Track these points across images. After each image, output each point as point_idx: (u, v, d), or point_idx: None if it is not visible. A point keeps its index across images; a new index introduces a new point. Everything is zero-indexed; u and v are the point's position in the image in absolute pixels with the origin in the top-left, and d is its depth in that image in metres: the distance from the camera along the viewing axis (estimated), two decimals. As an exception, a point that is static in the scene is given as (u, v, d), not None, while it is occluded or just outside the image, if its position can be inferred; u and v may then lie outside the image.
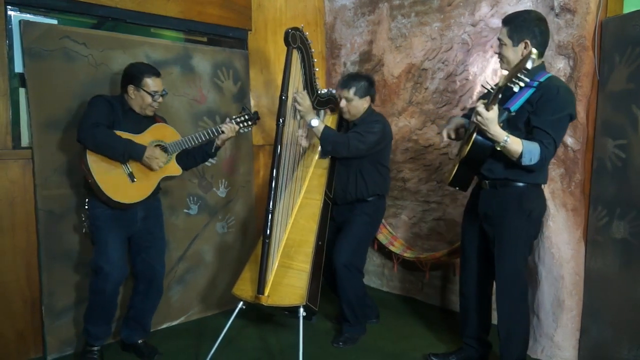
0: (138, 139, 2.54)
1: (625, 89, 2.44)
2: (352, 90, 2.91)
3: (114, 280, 2.55)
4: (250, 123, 2.85)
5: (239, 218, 3.56)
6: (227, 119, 2.79)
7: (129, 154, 2.48)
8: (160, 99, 2.61)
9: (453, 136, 2.53)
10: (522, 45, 2.21)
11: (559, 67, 2.67)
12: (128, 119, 2.59)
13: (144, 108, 2.59)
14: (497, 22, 3.03)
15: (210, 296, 3.42)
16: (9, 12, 2.70)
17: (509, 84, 1.99)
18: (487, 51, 3.13)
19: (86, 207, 2.58)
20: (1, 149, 2.65)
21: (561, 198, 2.69)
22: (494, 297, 2.61)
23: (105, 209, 2.54)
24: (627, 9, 2.62)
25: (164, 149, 2.63)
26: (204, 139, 2.72)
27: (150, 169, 2.57)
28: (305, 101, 2.80)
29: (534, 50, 1.88)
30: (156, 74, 2.60)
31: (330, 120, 3.13)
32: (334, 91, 3.02)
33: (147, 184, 2.61)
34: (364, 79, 2.97)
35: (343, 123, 3.13)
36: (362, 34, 3.95)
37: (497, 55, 2.35)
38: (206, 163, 3.33)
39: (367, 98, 2.98)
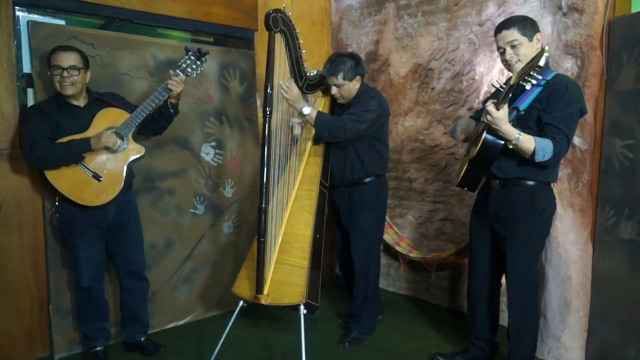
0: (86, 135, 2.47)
1: (633, 88, 2.42)
2: (340, 76, 2.79)
3: (90, 279, 2.58)
4: (199, 63, 2.67)
5: (245, 218, 3.57)
6: (171, 72, 2.60)
7: (78, 150, 2.42)
8: (66, 74, 2.42)
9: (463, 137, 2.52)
10: (536, 39, 2.23)
11: (566, 66, 2.66)
12: (68, 116, 2.49)
13: (57, 88, 2.45)
14: (504, 22, 3.02)
15: (216, 296, 3.42)
16: (17, 13, 2.72)
17: (521, 82, 1.97)
18: (493, 51, 3.11)
19: (57, 203, 2.54)
20: (9, 149, 2.67)
21: (569, 198, 2.67)
22: (501, 298, 2.60)
23: (75, 211, 2.50)
24: (635, 8, 2.61)
25: (117, 134, 2.49)
26: (153, 106, 2.57)
27: (110, 151, 2.48)
28: (292, 89, 2.67)
29: (547, 47, 1.88)
30: (61, 48, 2.46)
31: (323, 102, 3.01)
32: (323, 71, 2.88)
33: (115, 177, 2.53)
34: (349, 60, 2.81)
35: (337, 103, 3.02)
36: (368, 34, 3.94)
37: (505, 63, 2.31)
38: (212, 163, 3.36)
39: (357, 78, 2.85)
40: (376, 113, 2.81)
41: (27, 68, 2.74)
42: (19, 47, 2.71)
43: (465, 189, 2.45)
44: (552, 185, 2.40)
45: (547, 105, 2.17)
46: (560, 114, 2.14)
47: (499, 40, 2.29)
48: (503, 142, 2.14)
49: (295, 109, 2.74)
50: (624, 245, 2.47)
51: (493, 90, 2.57)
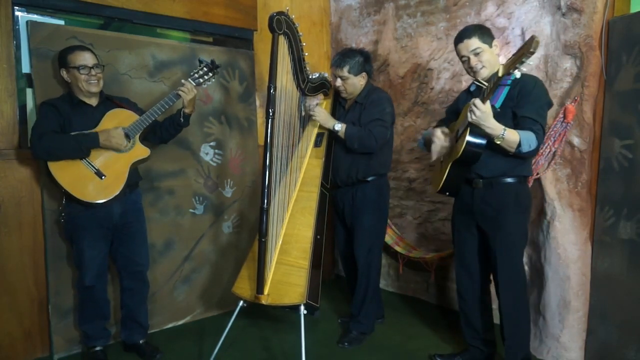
0: None
1: (633, 88, 2.43)
2: (345, 69, 2.82)
3: (93, 278, 2.59)
4: (211, 74, 2.73)
5: (244, 218, 3.57)
6: (183, 80, 2.66)
7: (85, 145, 2.43)
8: (94, 72, 2.49)
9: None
10: (494, 45, 2.36)
11: (565, 66, 2.66)
12: (80, 114, 2.52)
13: (83, 87, 2.49)
14: (503, 22, 3.02)
15: (216, 296, 3.42)
16: (17, 13, 2.72)
17: (511, 70, 1.95)
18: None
19: (64, 202, 2.55)
20: (9, 149, 2.67)
21: (568, 198, 2.68)
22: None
23: (80, 210, 2.51)
24: (634, 8, 2.61)
25: (125, 134, 2.52)
26: (163, 110, 2.60)
27: (116, 150, 2.50)
28: (320, 112, 2.83)
29: (537, 36, 1.87)
30: (80, 48, 2.51)
31: (324, 104, 3.04)
32: (325, 74, 2.91)
33: (117, 176, 2.54)
34: (358, 55, 2.85)
35: (338, 105, 3.05)
36: (367, 34, 3.94)
37: (470, 70, 2.37)
38: (211, 163, 3.36)
39: (363, 74, 2.88)
40: (392, 115, 2.88)
41: (26, 68, 2.74)
42: (18, 47, 2.71)
43: (447, 194, 2.47)
44: (528, 180, 2.48)
45: (519, 100, 2.25)
46: (533, 107, 2.23)
47: (462, 50, 2.37)
48: (486, 139, 2.18)
49: (327, 128, 2.85)
50: (623, 245, 2.47)
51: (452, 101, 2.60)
